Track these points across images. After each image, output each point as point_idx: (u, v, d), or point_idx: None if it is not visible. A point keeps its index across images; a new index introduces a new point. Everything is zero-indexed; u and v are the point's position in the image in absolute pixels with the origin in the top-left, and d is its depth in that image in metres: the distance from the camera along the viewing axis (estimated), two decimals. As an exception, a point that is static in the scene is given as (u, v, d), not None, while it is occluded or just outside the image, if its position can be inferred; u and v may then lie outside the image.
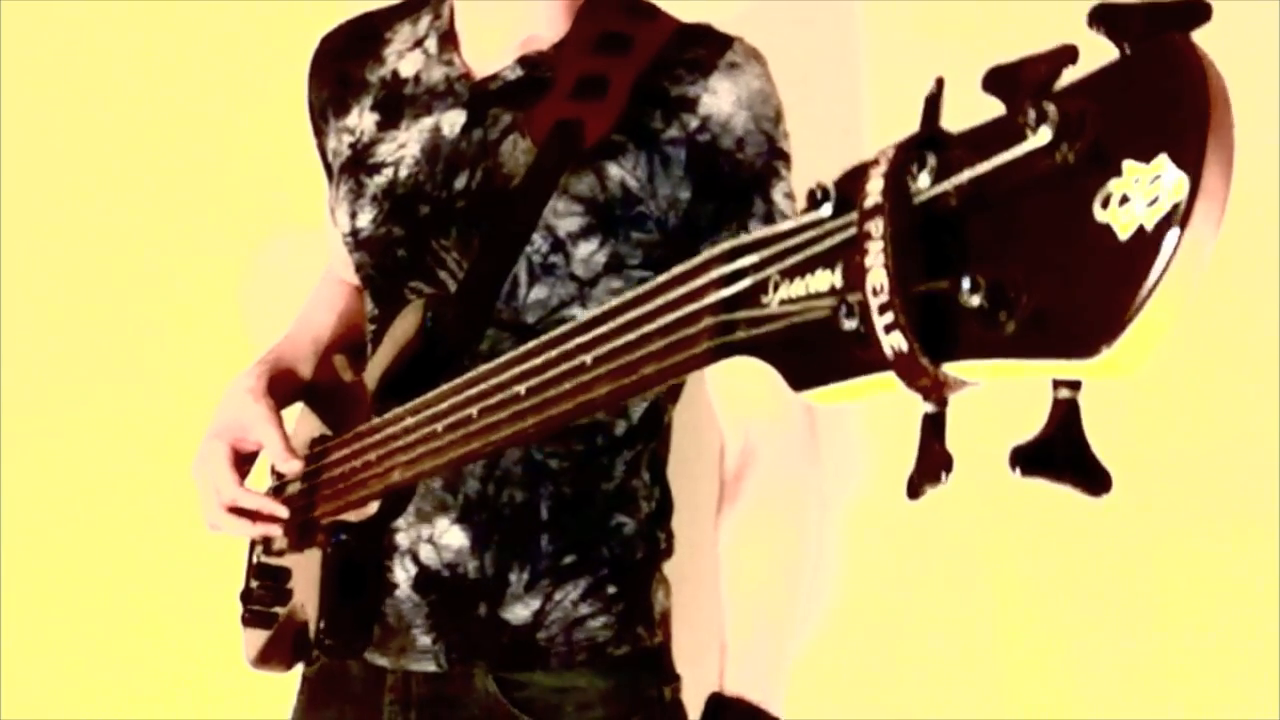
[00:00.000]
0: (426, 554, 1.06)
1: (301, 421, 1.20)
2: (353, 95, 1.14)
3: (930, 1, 1.29)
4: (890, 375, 0.47)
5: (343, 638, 1.07)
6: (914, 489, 0.47)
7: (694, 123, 1.02)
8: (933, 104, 0.48)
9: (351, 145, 1.12)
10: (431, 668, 1.06)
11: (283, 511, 1.09)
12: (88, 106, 1.61)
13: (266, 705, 1.29)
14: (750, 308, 0.53)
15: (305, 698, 1.17)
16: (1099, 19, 0.42)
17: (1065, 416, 0.43)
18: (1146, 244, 0.39)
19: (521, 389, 0.72)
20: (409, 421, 0.90)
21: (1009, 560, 1.36)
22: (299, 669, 1.18)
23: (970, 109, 0.47)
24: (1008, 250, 0.44)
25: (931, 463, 0.46)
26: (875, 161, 0.48)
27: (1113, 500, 1.37)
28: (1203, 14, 0.41)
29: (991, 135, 0.45)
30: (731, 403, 1.06)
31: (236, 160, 1.57)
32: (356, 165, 1.11)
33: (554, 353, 0.69)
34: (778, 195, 1.02)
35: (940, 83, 0.49)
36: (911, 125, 0.48)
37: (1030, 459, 0.43)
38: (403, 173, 1.08)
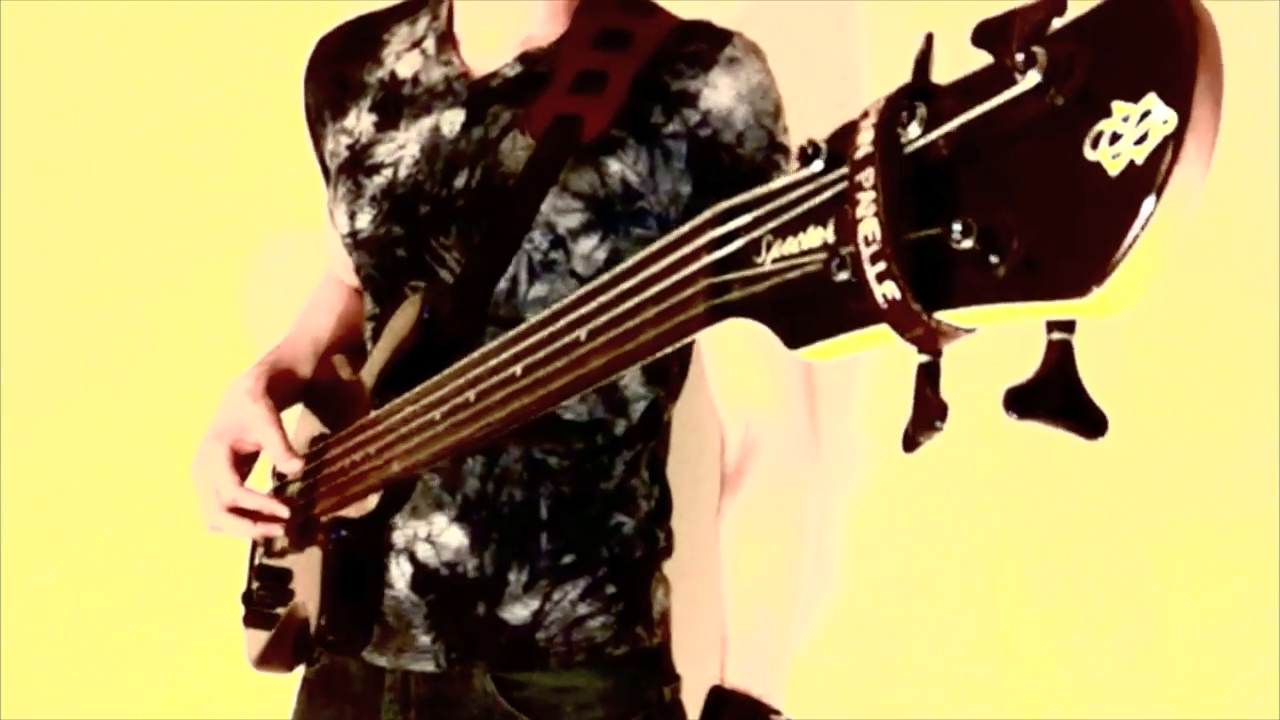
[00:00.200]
0: (425, 553, 1.05)
1: (301, 422, 1.20)
2: (350, 97, 1.14)
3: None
4: (884, 327, 0.47)
5: (344, 634, 1.07)
6: (909, 441, 0.46)
7: (694, 117, 1.02)
8: (923, 59, 0.49)
9: (349, 146, 1.12)
10: (430, 668, 1.06)
11: (283, 511, 1.09)
12: (88, 107, 1.62)
13: (266, 705, 1.28)
14: (744, 268, 0.53)
15: (305, 698, 1.16)
16: None
17: (1059, 359, 0.43)
18: (1137, 178, 0.39)
19: (518, 369, 0.72)
20: (406, 411, 0.90)
21: (1010, 557, 1.35)
22: (300, 670, 1.17)
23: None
24: (999, 195, 0.44)
25: (926, 412, 0.45)
26: (865, 114, 0.48)
27: (1114, 498, 1.37)
28: None
29: (981, 83, 0.45)
30: (732, 395, 1.06)
31: (236, 161, 1.58)
32: (355, 166, 1.11)
33: (548, 330, 0.69)
34: None
35: (930, 38, 0.49)
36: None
37: (1024, 401, 0.43)
38: (402, 172, 1.08)
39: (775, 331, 0.52)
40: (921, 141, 0.46)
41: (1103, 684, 1.32)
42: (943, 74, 0.49)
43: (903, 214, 0.46)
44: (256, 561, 1.24)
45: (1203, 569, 1.29)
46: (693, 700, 1.06)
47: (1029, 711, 1.33)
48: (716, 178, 1.02)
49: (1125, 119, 0.40)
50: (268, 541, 1.21)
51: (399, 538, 1.06)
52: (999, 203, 0.43)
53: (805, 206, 0.50)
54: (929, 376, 0.46)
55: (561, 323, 0.67)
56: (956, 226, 0.43)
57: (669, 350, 0.59)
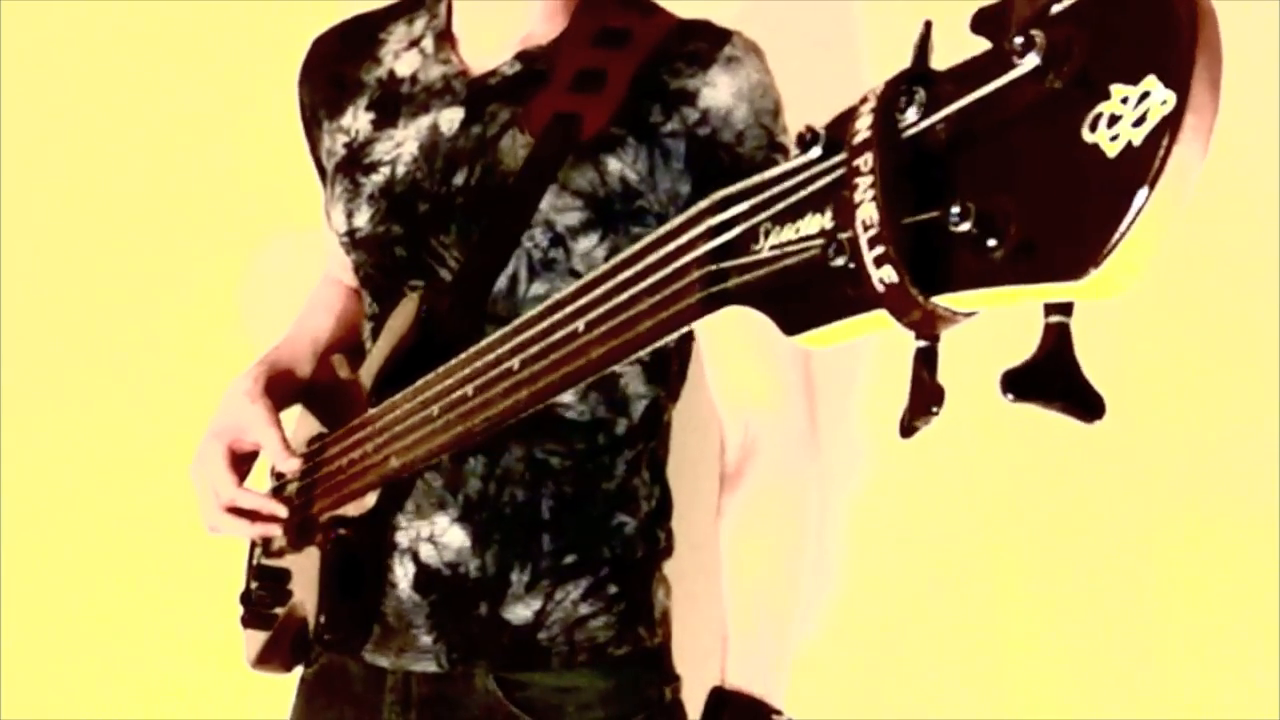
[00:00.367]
0: (427, 553, 1.05)
1: (300, 422, 1.20)
2: (347, 97, 1.14)
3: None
4: (882, 313, 0.46)
5: (343, 632, 1.07)
6: (906, 427, 0.46)
7: (693, 116, 1.02)
8: (922, 45, 0.48)
9: (346, 145, 1.12)
10: (432, 668, 1.05)
11: (281, 510, 1.09)
12: (87, 107, 1.62)
13: (266, 705, 1.28)
14: (741, 255, 0.53)
15: (303, 699, 1.16)
16: None
17: (1056, 341, 0.43)
18: (1135, 159, 0.39)
19: (515, 362, 0.72)
20: (404, 408, 0.90)
21: (1010, 556, 1.35)
22: (299, 670, 1.17)
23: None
24: (996, 179, 0.43)
25: (923, 397, 0.45)
26: (864, 100, 0.48)
27: (1114, 497, 1.36)
28: None
29: (979, 67, 0.45)
30: (731, 395, 1.06)
31: (236, 161, 1.58)
32: (352, 165, 1.11)
33: (546, 323, 0.69)
34: None
35: (928, 25, 0.49)
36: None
37: (1022, 384, 0.43)
38: (400, 171, 1.08)
39: (772, 318, 0.52)
40: (920, 126, 0.46)
41: (1103, 684, 1.32)
42: (942, 67, 0.49)
43: (901, 198, 0.45)
44: (255, 561, 1.24)
45: (1203, 568, 1.29)
46: (693, 700, 1.06)
47: (1029, 711, 1.33)
48: (716, 177, 1.01)
49: (1124, 101, 0.40)
50: (266, 541, 1.21)
51: (402, 538, 1.05)
52: (997, 187, 0.43)
53: (803, 193, 0.50)
54: (926, 361, 0.46)
55: (559, 315, 0.67)
56: (954, 210, 0.42)
57: (669, 339, 0.59)
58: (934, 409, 0.45)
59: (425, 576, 1.05)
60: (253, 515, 1.10)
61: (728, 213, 0.54)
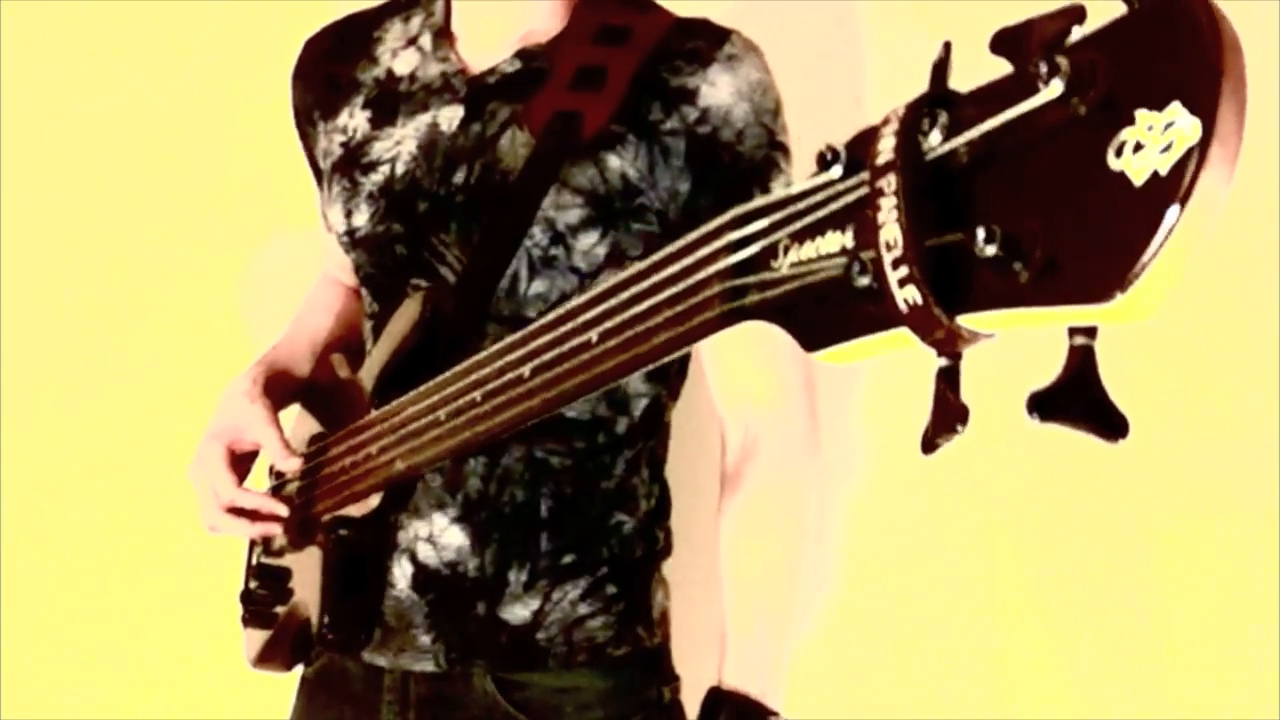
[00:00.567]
0: (425, 553, 1.05)
1: (300, 422, 1.20)
2: (343, 96, 1.14)
3: (932, -1, 1.30)
4: (904, 331, 0.47)
5: (345, 632, 1.07)
6: (929, 443, 0.47)
7: (693, 114, 1.02)
8: (941, 67, 0.49)
9: (343, 144, 1.12)
10: (430, 668, 1.06)
11: (282, 510, 1.09)
12: (87, 107, 1.61)
13: (266, 705, 1.28)
14: (761, 271, 0.53)
15: (304, 698, 1.16)
16: None
17: (1081, 363, 0.43)
18: (1161, 188, 0.40)
19: (526, 370, 0.72)
20: (410, 411, 0.90)
21: (1009, 556, 1.36)
22: (299, 669, 1.17)
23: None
24: (1021, 203, 0.44)
25: (947, 415, 0.46)
26: (886, 121, 0.48)
27: (1114, 499, 1.37)
28: None
29: (1002, 91, 0.45)
30: (731, 395, 1.06)
31: (235, 161, 1.57)
32: (350, 164, 1.11)
33: (558, 332, 0.69)
34: (777, 187, 1.02)
35: (948, 47, 0.50)
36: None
37: (1047, 405, 0.44)
38: (399, 169, 1.07)
39: (792, 334, 0.53)
40: (943, 149, 0.46)
41: (1103, 684, 1.32)
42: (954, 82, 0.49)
43: (923, 220, 0.46)
44: (255, 561, 1.23)
45: (1203, 569, 1.30)
46: (693, 700, 1.06)
47: (1029, 711, 1.34)
48: (715, 175, 1.02)
49: (1149, 128, 0.40)
50: (266, 541, 1.21)
51: (401, 538, 1.06)
52: (1022, 210, 0.44)
53: (824, 211, 0.51)
54: (949, 380, 0.46)
55: (572, 324, 0.67)
56: (980, 233, 0.43)
57: (683, 353, 0.59)
58: (958, 427, 0.46)
59: (424, 576, 1.05)
60: (253, 515, 1.10)
61: (747, 228, 0.55)
